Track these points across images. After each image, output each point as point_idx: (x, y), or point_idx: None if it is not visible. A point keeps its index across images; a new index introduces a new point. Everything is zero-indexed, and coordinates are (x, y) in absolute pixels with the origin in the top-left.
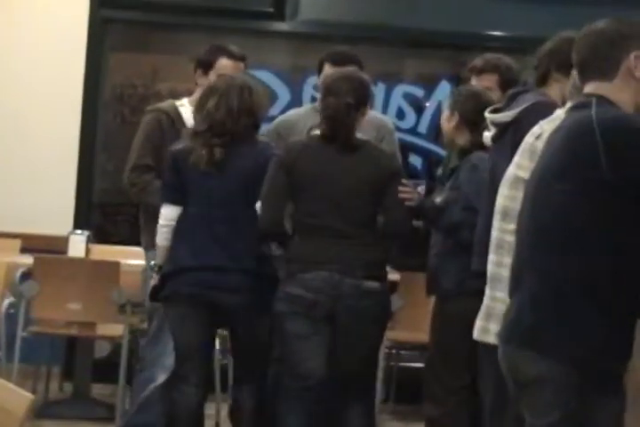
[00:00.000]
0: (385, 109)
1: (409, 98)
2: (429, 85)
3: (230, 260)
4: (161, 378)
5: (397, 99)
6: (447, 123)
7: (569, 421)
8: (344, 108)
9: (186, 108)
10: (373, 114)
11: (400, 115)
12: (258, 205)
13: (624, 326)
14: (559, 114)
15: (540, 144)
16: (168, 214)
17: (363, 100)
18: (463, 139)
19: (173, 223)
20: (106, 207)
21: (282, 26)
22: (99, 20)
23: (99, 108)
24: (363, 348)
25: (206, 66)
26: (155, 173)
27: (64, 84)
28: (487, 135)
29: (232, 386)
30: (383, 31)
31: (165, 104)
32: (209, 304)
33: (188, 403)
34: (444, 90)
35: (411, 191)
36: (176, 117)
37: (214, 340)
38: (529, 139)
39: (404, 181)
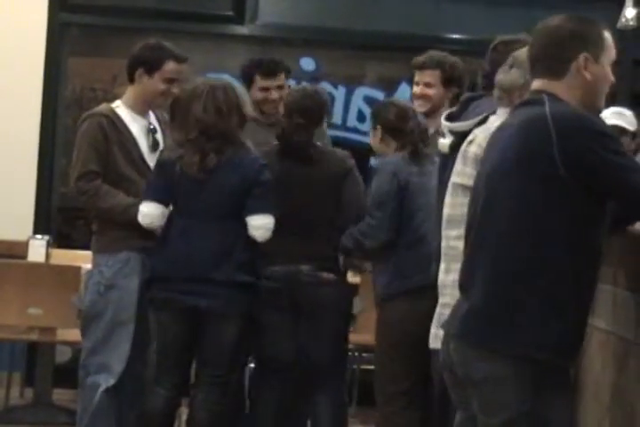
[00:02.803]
0: (345, 112)
1: (369, 101)
2: (390, 88)
3: (203, 271)
4: (108, 382)
5: (358, 102)
6: (373, 139)
7: (523, 419)
8: (295, 129)
9: (121, 109)
10: None
11: (360, 118)
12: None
13: (577, 323)
14: (492, 120)
15: (473, 149)
16: (149, 212)
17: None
18: (391, 149)
19: (156, 223)
20: (66, 212)
21: (241, 29)
22: (57, 24)
23: (58, 113)
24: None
25: (152, 67)
26: (102, 179)
27: (23, 89)
28: (443, 142)
29: (191, 390)
30: (343, 34)
31: (102, 107)
32: (185, 310)
33: (158, 407)
34: (404, 92)
35: None
36: (116, 119)
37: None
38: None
39: None
